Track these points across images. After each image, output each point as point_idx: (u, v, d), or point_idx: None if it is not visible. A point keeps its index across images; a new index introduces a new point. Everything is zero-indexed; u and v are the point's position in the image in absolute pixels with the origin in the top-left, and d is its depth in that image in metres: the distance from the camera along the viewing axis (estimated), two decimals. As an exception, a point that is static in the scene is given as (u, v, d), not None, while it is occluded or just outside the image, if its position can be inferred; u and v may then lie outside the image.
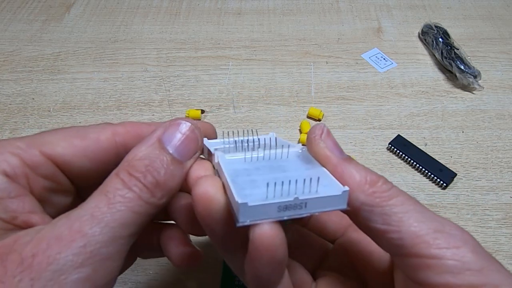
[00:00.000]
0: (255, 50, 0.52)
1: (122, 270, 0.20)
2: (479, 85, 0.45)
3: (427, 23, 0.51)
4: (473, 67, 0.46)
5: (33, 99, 0.46)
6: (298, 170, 0.19)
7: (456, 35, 0.51)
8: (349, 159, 0.19)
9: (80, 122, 0.44)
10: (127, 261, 0.22)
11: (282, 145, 0.20)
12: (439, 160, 0.39)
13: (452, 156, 0.40)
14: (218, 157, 0.19)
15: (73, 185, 0.21)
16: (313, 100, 0.45)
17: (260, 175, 0.18)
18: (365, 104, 0.45)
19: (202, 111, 0.44)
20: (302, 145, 0.21)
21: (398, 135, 0.41)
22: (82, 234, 0.16)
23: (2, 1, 0.60)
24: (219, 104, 0.45)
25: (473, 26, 0.54)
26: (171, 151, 0.19)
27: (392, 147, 0.40)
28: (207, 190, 0.17)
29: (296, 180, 0.17)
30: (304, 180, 0.17)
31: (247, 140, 0.21)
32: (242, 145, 0.20)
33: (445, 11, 0.57)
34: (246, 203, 0.15)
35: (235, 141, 0.21)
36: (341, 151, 0.19)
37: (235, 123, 0.43)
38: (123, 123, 0.21)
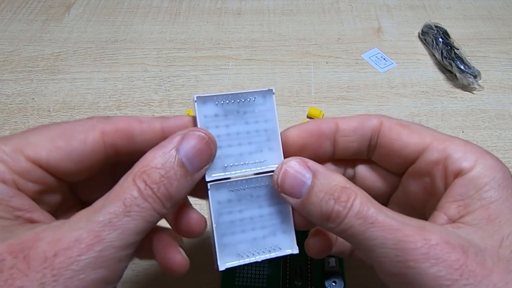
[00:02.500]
0: (255, 50, 0.52)
1: None
2: (479, 85, 0.45)
3: (427, 23, 0.51)
4: (473, 67, 0.46)
5: (33, 99, 0.46)
6: (270, 206, 0.22)
7: (456, 35, 0.51)
8: (304, 201, 0.20)
9: (80, 122, 0.44)
10: None
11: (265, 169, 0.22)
12: (439, 160, 0.39)
13: (452, 156, 0.40)
14: (209, 191, 0.21)
15: (63, 183, 0.21)
16: (313, 100, 0.45)
17: (240, 212, 0.22)
18: (365, 104, 0.45)
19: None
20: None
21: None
22: (101, 239, 0.17)
23: (2, 1, 0.60)
24: (219, 104, 0.45)
25: (473, 26, 0.54)
26: (185, 162, 0.19)
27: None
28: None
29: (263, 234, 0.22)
30: (265, 237, 0.22)
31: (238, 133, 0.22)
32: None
33: (445, 11, 0.57)
34: (224, 266, 0.21)
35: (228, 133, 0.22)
36: (300, 188, 0.20)
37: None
38: (113, 119, 0.21)
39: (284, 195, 0.21)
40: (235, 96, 0.22)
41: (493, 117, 0.43)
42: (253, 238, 0.22)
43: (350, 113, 0.44)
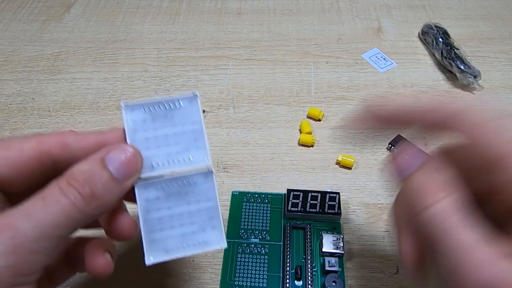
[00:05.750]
0: (255, 50, 0.52)
1: (62, 277, 0.24)
2: (479, 85, 0.45)
3: (427, 23, 0.51)
4: (473, 67, 0.46)
5: (33, 99, 0.46)
6: (199, 203, 0.23)
7: (456, 35, 0.51)
8: (406, 180, 0.20)
9: (80, 122, 0.44)
10: (65, 273, 0.25)
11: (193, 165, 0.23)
12: (439, 160, 0.39)
13: (452, 156, 0.40)
14: (136, 189, 0.22)
15: (2, 193, 0.22)
16: (313, 100, 0.45)
17: (169, 208, 0.22)
18: (365, 104, 0.45)
19: (202, 111, 0.44)
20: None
21: (398, 135, 0.41)
22: (12, 227, 0.18)
23: (2, 1, 0.60)
24: (219, 104, 0.45)
25: (473, 26, 0.54)
26: (111, 169, 0.20)
27: (392, 147, 0.40)
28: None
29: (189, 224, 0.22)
30: (194, 232, 0.22)
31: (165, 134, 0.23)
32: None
33: (445, 11, 0.57)
34: (150, 261, 0.22)
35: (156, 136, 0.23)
36: (407, 170, 0.21)
37: (235, 123, 0.43)
38: (51, 133, 0.23)
39: (393, 169, 0.21)
40: (161, 102, 0.23)
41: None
42: (182, 234, 0.22)
43: (350, 113, 0.44)
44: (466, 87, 0.46)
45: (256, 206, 0.35)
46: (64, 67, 0.50)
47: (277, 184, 0.38)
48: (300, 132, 0.42)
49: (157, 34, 0.54)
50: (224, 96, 0.46)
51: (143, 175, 0.22)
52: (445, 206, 0.17)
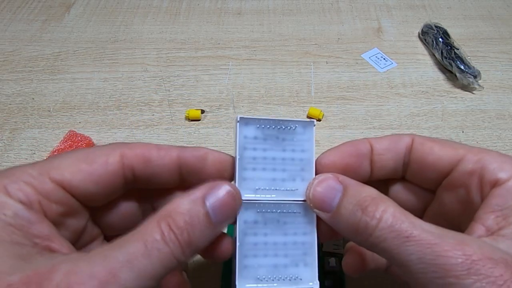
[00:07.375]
0: (255, 50, 0.52)
1: None
2: (479, 85, 0.45)
3: (427, 23, 0.51)
4: (473, 67, 0.46)
5: (33, 99, 0.46)
6: (295, 235, 0.22)
7: (456, 35, 0.51)
8: (334, 214, 0.20)
9: (80, 122, 0.44)
10: None
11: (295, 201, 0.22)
12: (439, 160, 0.39)
13: (452, 156, 0.40)
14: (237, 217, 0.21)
15: (85, 208, 0.22)
16: (313, 100, 0.45)
17: (265, 235, 0.22)
18: (365, 104, 0.45)
19: (202, 111, 0.44)
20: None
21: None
22: (116, 278, 0.17)
23: (2, 1, 0.60)
24: (219, 104, 0.45)
25: (473, 26, 0.54)
26: (210, 212, 0.19)
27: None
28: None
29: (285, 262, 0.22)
30: (287, 265, 0.22)
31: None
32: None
33: (445, 11, 0.57)
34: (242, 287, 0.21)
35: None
36: (331, 201, 0.20)
37: (235, 123, 0.43)
38: (133, 144, 0.22)
39: (316, 210, 0.21)
40: (276, 122, 0.22)
41: (493, 117, 0.43)
42: (275, 264, 0.21)
43: (350, 113, 0.44)
44: (466, 87, 0.46)
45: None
46: (64, 67, 0.50)
47: (277, 184, 0.38)
48: (300, 132, 0.42)
49: (157, 34, 0.54)
50: (224, 96, 0.46)
51: (245, 197, 0.21)
52: (390, 220, 0.18)
